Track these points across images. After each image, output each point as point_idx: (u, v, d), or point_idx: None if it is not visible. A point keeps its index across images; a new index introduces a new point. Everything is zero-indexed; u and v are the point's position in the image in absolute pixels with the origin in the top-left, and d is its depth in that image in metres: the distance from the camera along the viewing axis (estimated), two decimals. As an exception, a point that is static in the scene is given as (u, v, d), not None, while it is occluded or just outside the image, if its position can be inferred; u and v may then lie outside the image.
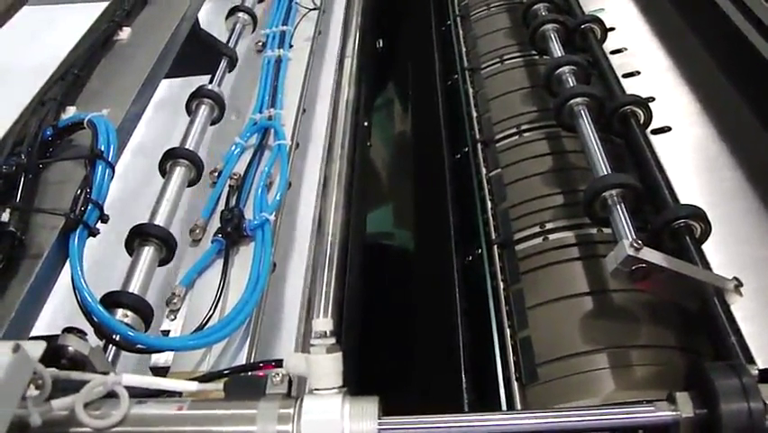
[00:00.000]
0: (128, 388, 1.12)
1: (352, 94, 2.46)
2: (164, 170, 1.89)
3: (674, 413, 1.11)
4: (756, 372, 1.12)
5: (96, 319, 1.40)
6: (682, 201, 1.72)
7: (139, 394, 1.16)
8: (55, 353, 1.19)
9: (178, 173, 1.87)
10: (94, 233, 1.57)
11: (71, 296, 1.46)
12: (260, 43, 2.57)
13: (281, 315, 1.70)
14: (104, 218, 1.61)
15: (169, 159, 1.89)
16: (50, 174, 1.73)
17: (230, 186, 1.91)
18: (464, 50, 2.90)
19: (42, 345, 1.06)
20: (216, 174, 1.96)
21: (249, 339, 1.58)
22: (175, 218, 1.78)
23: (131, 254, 1.64)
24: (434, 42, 3.11)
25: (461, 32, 3.03)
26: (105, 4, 2.38)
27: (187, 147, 1.94)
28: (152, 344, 1.44)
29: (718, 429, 1.08)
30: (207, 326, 1.55)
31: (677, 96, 2.18)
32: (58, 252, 1.53)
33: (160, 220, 1.72)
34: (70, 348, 1.21)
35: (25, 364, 1.00)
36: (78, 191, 1.61)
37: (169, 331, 1.59)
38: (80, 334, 1.26)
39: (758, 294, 1.54)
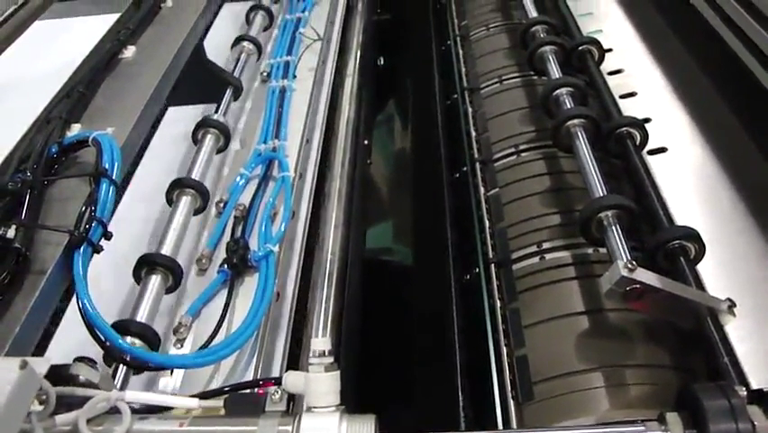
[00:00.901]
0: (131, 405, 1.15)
1: (353, 112, 2.48)
2: (171, 199, 1.93)
3: (664, 433, 1.13)
4: (744, 393, 1.14)
5: (98, 333, 1.43)
6: (679, 222, 1.73)
7: (142, 412, 1.18)
8: (66, 381, 1.21)
9: (185, 202, 1.90)
10: (98, 250, 1.60)
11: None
12: (266, 73, 2.60)
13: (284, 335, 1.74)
14: (107, 235, 1.64)
15: (176, 188, 1.93)
16: (55, 191, 1.76)
17: (235, 216, 1.94)
18: (464, 70, 2.92)
19: (48, 361, 1.08)
20: (222, 204, 1.98)
21: (255, 358, 1.61)
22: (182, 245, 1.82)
23: (138, 283, 1.68)
24: (434, 62, 3.14)
25: (460, 52, 3.05)
26: (111, 17, 2.41)
27: (193, 177, 1.98)
28: (154, 360, 1.46)
29: (707, 449, 1.10)
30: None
31: (673, 117, 2.20)
32: (61, 268, 1.56)
33: (166, 249, 1.75)
34: (81, 377, 1.22)
35: (31, 381, 1.02)
36: (83, 209, 1.63)
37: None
38: (91, 363, 1.28)
39: (755, 314, 1.55)
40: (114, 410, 1.13)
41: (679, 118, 2.19)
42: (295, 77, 2.55)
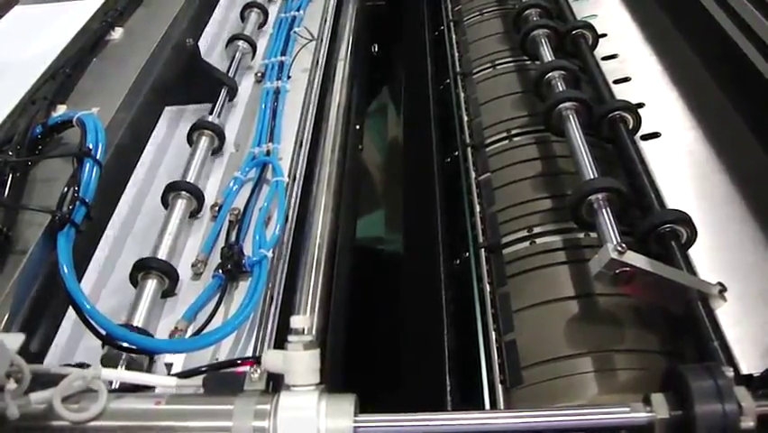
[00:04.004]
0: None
1: (344, 96, 2.47)
2: (166, 203, 1.93)
3: (649, 414, 1.12)
4: (731, 373, 1.13)
5: (83, 313, 1.42)
6: (671, 207, 1.72)
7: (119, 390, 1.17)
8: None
9: (180, 206, 1.91)
10: (80, 230, 1.58)
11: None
12: (260, 74, 2.59)
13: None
14: (90, 216, 1.62)
15: (171, 191, 1.94)
16: (38, 172, 1.75)
17: (230, 221, 1.93)
18: (457, 54, 2.90)
19: (21, 337, 1.07)
20: (217, 208, 1.97)
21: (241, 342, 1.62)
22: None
23: (135, 287, 1.68)
24: (427, 47, 3.11)
25: (453, 37, 3.03)
26: (97, 2, 2.39)
27: (188, 180, 1.98)
28: (134, 340, 1.45)
29: (692, 430, 1.09)
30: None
31: (667, 103, 2.19)
32: (43, 248, 1.55)
33: (162, 253, 1.76)
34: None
35: (2, 356, 1.01)
36: (66, 189, 1.62)
37: (172, 364, 1.58)
38: None
39: (746, 299, 1.55)
40: (90, 389, 1.12)
41: (673, 104, 2.18)
42: (289, 77, 2.54)
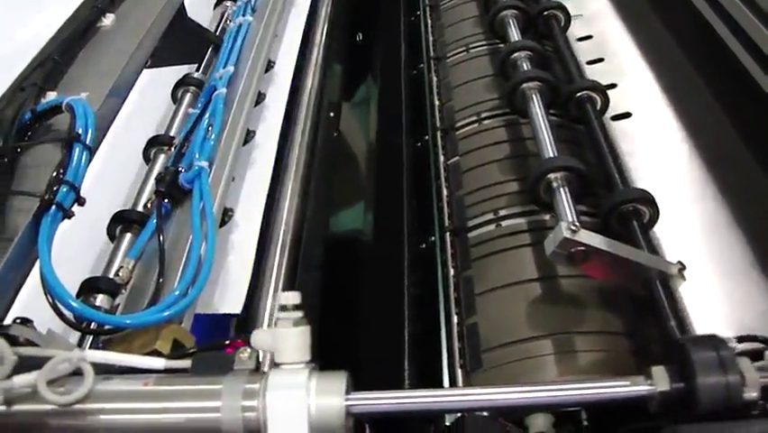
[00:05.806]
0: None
1: (317, 81, 2.43)
2: (148, 157, 1.88)
3: (650, 387, 1.08)
4: (735, 345, 1.11)
5: (57, 302, 1.38)
6: (640, 186, 1.70)
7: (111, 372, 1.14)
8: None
9: (162, 160, 1.86)
10: (69, 215, 1.54)
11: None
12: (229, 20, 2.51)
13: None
14: (80, 201, 1.57)
15: (153, 146, 1.89)
16: (28, 158, 1.69)
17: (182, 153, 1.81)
18: (431, 39, 2.86)
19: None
20: (173, 148, 1.89)
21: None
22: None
23: (112, 240, 1.63)
24: (402, 33, 3.07)
25: (429, 21, 2.99)
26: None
27: (171, 135, 1.93)
28: (120, 322, 1.40)
29: (695, 402, 1.05)
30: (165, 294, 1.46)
31: (641, 83, 2.19)
32: (31, 234, 1.48)
33: (141, 206, 1.72)
34: (21, 339, 1.18)
35: (-17, 339, 0.98)
36: (54, 173, 1.57)
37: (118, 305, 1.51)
38: (29, 324, 1.24)
39: (709, 279, 1.57)
40: (76, 371, 1.08)
41: (646, 84, 2.19)
42: (254, 11, 2.46)
